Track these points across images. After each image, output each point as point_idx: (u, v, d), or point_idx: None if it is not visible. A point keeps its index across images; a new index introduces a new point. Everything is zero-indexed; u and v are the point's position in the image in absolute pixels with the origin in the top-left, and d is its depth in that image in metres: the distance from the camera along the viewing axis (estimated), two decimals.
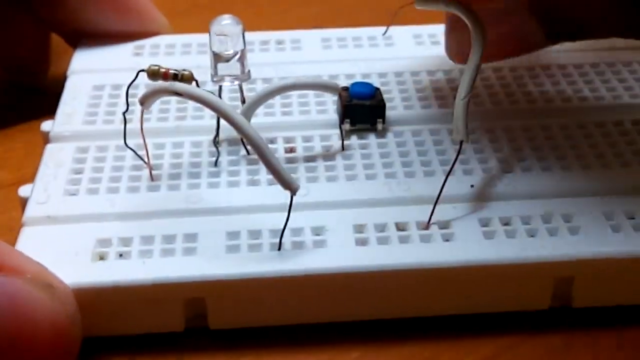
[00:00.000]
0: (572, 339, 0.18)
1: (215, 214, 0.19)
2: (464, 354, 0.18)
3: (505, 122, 0.22)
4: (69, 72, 0.24)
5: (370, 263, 0.18)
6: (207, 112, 0.22)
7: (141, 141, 0.20)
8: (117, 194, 0.20)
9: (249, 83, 0.22)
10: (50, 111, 0.23)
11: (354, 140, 0.22)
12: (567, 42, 0.21)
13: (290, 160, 0.21)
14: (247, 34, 0.21)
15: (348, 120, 0.22)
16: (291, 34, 0.26)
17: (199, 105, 0.20)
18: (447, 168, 0.20)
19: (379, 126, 0.22)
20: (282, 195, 0.18)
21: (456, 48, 0.22)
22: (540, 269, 0.18)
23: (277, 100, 0.23)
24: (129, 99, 0.20)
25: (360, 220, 0.19)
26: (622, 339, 0.18)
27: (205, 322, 0.18)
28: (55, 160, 0.21)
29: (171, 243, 0.18)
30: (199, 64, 0.24)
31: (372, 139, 0.22)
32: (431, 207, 0.19)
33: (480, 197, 0.20)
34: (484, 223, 0.19)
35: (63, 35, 0.26)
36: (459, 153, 0.19)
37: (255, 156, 0.21)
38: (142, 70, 0.19)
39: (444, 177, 0.19)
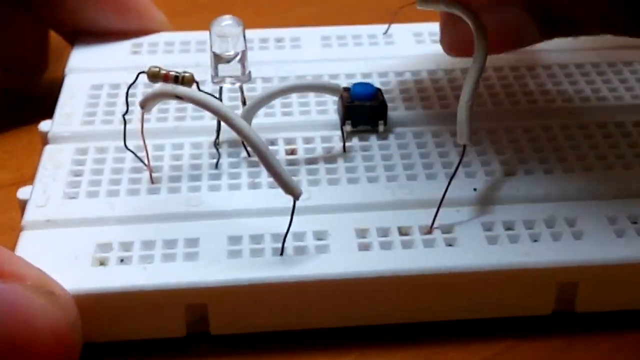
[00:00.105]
0: (573, 342, 0.18)
1: (216, 217, 0.19)
2: (463, 355, 0.18)
3: (507, 123, 0.22)
4: (66, 71, 0.24)
5: (374, 269, 0.18)
6: (207, 113, 0.22)
7: (141, 142, 0.20)
8: (117, 197, 0.20)
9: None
10: (48, 110, 0.23)
11: (355, 141, 0.21)
12: (561, 37, 0.21)
13: (291, 163, 0.21)
14: (246, 31, 0.20)
15: (349, 121, 0.22)
16: (291, 32, 0.26)
17: None
18: (450, 170, 0.20)
19: (381, 127, 0.22)
20: (283, 198, 0.18)
21: (451, 39, 0.22)
22: (544, 274, 0.18)
23: (277, 100, 0.22)
24: (128, 99, 0.20)
25: (362, 225, 0.19)
26: (622, 342, 0.18)
27: (206, 327, 0.18)
28: (54, 162, 0.21)
29: (172, 248, 0.18)
30: (197, 62, 0.24)
31: (373, 140, 0.21)
32: (434, 210, 0.19)
33: (483, 201, 0.20)
34: (487, 227, 0.19)
35: (62, 34, 0.26)
36: (462, 157, 0.19)
37: (255, 158, 0.20)
38: (142, 72, 0.19)
39: (446, 180, 0.19)
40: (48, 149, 0.21)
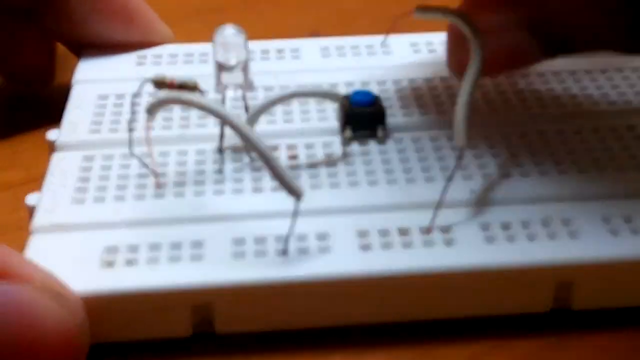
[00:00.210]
0: (568, 339, 0.19)
1: (220, 220, 0.20)
2: (453, 350, 0.18)
3: (502, 128, 0.22)
4: (73, 82, 0.25)
5: (375, 268, 0.18)
6: (211, 120, 0.23)
7: (146, 149, 0.20)
8: (123, 202, 0.20)
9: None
10: (56, 120, 0.23)
11: (355, 147, 0.22)
12: (563, 57, 0.22)
13: (293, 167, 0.21)
14: (248, 42, 0.21)
15: (349, 127, 0.22)
16: (290, 43, 0.27)
17: (202, 113, 0.21)
18: (447, 174, 0.20)
19: (380, 133, 0.22)
20: (286, 201, 0.19)
21: (458, 60, 0.22)
22: (542, 272, 0.18)
23: (278, 107, 0.23)
24: (133, 108, 0.20)
25: (363, 226, 0.19)
26: (617, 338, 0.19)
27: (212, 327, 0.18)
28: (62, 169, 0.21)
29: (178, 250, 0.19)
30: (201, 73, 0.24)
31: (372, 145, 0.22)
32: (432, 212, 0.19)
33: (480, 202, 0.20)
34: (485, 228, 0.19)
35: (67, 45, 0.26)
36: (459, 159, 0.20)
37: (258, 163, 0.21)
38: (148, 80, 0.20)
39: (444, 183, 0.20)
40: (56, 156, 0.22)
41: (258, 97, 0.24)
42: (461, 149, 0.20)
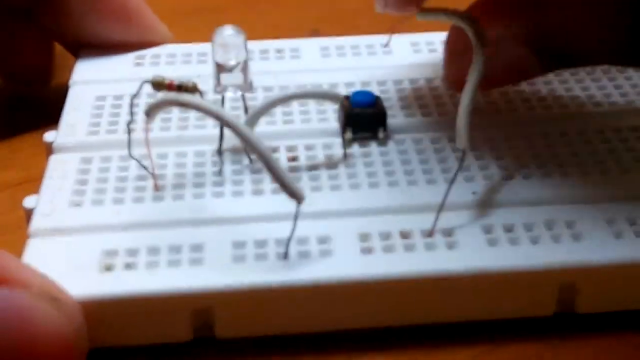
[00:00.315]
0: (570, 341, 0.18)
1: (220, 223, 0.19)
2: (455, 353, 0.18)
3: (505, 129, 0.22)
4: (71, 83, 0.24)
5: (376, 271, 0.18)
6: (209, 121, 0.22)
7: (144, 151, 0.20)
8: (122, 205, 0.20)
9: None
10: (54, 120, 0.23)
11: (355, 148, 0.22)
12: (563, 70, 0.22)
13: (293, 169, 0.21)
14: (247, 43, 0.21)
15: (350, 128, 0.22)
16: (290, 43, 0.26)
17: (201, 115, 0.20)
18: (449, 176, 0.20)
19: (381, 134, 0.22)
20: (286, 204, 0.18)
21: (453, 76, 0.22)
22: (545, 275, 0.18)
23: (278, 109, 0.23)
24: (131, 109, 0.20)
25: (364, 229, 0.19)
26: (620, 341, 0.19)
27: (212, 331, 0.18)
28: (60, 171, 0.21)
29: (177, 254, 0.19)
30: (199, 73, 0.24)
31: (373, 147, 0.22)
32: (434, 214, 0.19)
33: (483, 205, 0.20)
34: (487, 230, 0.19)
35: (65, 45, 0.26)
36: (461, 162, 0.19)
37: (258, 165, 0.21)
38: (146, 82, 0.20)
39: (445, 185, 0.19)
40: (53, 158, 0.21)
41: (258, 98, 0.23)
42: (463, 151, 0.19)
